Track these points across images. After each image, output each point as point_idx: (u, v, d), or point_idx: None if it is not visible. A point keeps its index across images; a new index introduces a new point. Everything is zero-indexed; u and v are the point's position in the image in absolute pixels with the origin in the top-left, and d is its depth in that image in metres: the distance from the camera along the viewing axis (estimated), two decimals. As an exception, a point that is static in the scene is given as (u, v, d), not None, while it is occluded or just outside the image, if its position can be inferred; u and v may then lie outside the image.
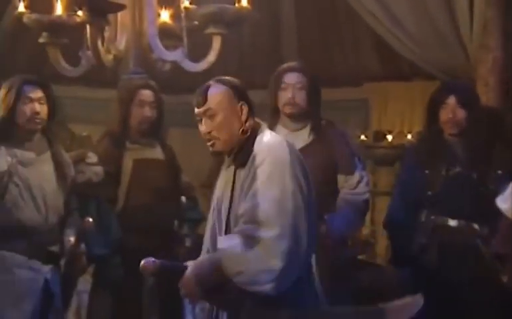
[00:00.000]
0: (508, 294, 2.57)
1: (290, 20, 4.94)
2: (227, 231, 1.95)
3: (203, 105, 2.03)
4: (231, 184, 1.99)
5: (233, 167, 2.02)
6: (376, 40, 4.56)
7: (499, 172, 2.79)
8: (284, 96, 2.85)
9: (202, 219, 3.36)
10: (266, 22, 4.73)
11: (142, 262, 2.00)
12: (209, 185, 5.57)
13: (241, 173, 1.95)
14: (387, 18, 3.46)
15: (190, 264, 1.97)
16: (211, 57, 2.92)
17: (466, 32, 3.38)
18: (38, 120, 2.62)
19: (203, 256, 2.07)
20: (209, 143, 2.02)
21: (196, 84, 5.07)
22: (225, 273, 1.84)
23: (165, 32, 3.04)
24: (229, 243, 1.87)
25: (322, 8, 4.89)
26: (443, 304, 2.79)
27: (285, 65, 2.95)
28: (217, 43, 2.89)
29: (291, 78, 2.85)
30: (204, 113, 2.02)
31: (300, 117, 2.87)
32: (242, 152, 1.98)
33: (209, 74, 3.16)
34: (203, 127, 2.02)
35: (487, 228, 2.78)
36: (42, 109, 2.63)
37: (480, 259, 2.78)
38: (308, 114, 2.88)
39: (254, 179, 1.88)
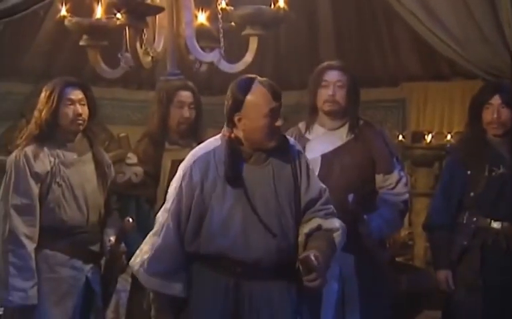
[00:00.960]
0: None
1: (327, 21, 4.92)
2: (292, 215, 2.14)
3: (280, 100, 2.12)
4: (270, 178, 2.12)
5: (267, 162, 2.14)
6: (415, 39, 4.51)
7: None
8: (325, 93, 2.86)
9: None
10: (303, 23, 4.72)
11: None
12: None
13: (278, 167, 2.13)
14: (428, 17, 3.40)
15: (310, 256, 2.00)
16: (248, 58, 2.93)
17: (509, 31, 3.31)
18: (80, 121, 2.67)
19: (314, 245, 2.09)
20: (277, 137, 2.13)
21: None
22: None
23: (202, 34, 3.05)
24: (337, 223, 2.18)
25: (360, 8, 4.85)
26: (485, 308, 2.74)
27: (325, 63, 2.96)
28: (253, 44, 2.90)
29: (332, 76, 2.86)
30: (280, 107, 2.14)
31: (338, 115, 2.87)
32: (279, 149, 2.15)
33: (243, 74, 3.17)
34: (279, 122, 2.12)
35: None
36: (83, 110, 2.68)
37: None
38: (347, 113, 2.88)
39: (302, 173, 2.17)
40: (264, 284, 2.11)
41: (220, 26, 2.94)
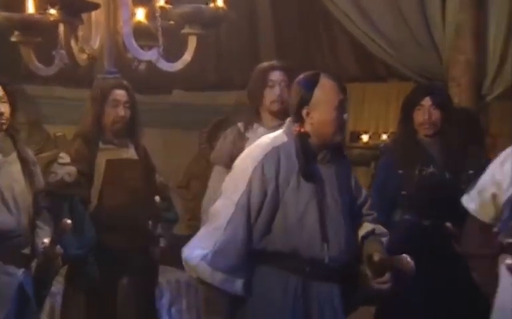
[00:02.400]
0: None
1: (267, 21, 4.95)
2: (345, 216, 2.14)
3: (346, 92, 2.15)
4: (335, 178, 2.13)
5: (331, 162, 2.14)
6: (353, 41, 4.60)
7: (471, 172, 2.83)
8: (272, 93, 2.90)
9: (177, 220, 3.35)
10: (243, 23, 4.74)
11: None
12: (186, 186, 5.62)
13: (338, 168, 2.16)
14: (363, 20, 3.50)
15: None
16: (187, 57, 2.91)
17: (439, 34, 3.44)
18: (3, 121, 2.52)
19: (374, 248, 2.13)
20: (343, 132, 2.17)
21: (172, 84, 5.07)
22: None
23: (141, 32, 3.02)
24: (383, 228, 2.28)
25: (299, 10, 4.91)
26: (418, 302, 2.83)
27: (267, 63, 3.00)
28: (192, 43, 2.89)
29: (277, 76, 2.92)
30: (346, 100, 2.15)
31: (283, 114, 2.92)
32: (339, 150, 2.19)
33: (185, 73, 3.17)
34: (346, 116, 2.14)
35: (459, 227, 2.82)
36: (5, 108, 2.51)
37: (453, 256, 2.82)
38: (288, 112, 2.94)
39: (353, 177, 2.23)
40: (328, 285, 2.10)
41: (158, 24, 2.91)
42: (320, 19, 4.88)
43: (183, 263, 2.12)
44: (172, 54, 3.05)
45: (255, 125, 3.01)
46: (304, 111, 2.07)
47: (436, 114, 2.96)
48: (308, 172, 2.04)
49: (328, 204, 2.08)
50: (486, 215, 2.53)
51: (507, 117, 3.95)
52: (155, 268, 3.16)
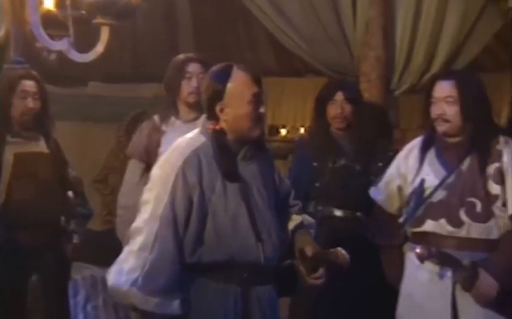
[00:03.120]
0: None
1: (185, 14, 4.92)
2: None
3: (261, 85, 2.04)
4: (258, 174, 2.02)
5: (253, 159, 2.02)
6: (272, 36, 4.65)
7: (380, 164, 2.95)
8: (189, 85, 2.89)
9: (91, 215, 3.28)
10: (160, 15, 4.68)
11: None
12: (104, 180, 5.50)
13: (261, 164, 2.04)
14: (277, 15, 3.55)
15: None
16: (99, 48, 2.83)
17: (350, 30, 3.54)
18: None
19: (306, 241, 2.07)
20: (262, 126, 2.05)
21: (88, 76, 4.94)
22: None
23: (51, 21, 2.92)
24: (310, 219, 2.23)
25: (218, 3, 4.91)
26: (332, 292, 2.91)
27: (183, 55, 2.99)
28: (105, 34, 2.81)
29: (195, 68, 2.91)
30: (262, 93, 2.05)
31: (199, 107, 2.93)
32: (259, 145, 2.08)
33: (101, 65, 3.09)
34: (263, 109, 2.05)
35: (370, 217, 2.93)
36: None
37: (363, 246, 2.92)
38: None
39: (275, 169, 2.13)
40: (267, 286, 2.00)
41: (68, 13, 2.83)
42: (239, 14, 4.90)
43: (110, 291, 1.96)
44: (89, 44, 2.98)
45: (172, 118, 2.99)
46: (217, 108, 1.95)
47: (348, 108, 3.05)
48: (231, 172, 1.93)
49: (256, 202, 1.97)
50: (392, 206, 2.65)
51: (415, 111, 4.12)
52: (67, 264, 3.08)
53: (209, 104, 1.98)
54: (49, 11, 2.89)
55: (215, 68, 2.02)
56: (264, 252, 1.95)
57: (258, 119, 1.98)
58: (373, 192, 2.72)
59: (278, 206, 2.06)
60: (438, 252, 2.39)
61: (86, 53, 2.92)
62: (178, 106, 2.99)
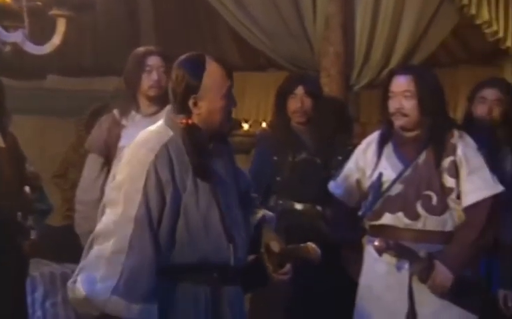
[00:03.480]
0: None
1: (147, 7, 4.87)
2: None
3: (232, 77, 1.98)
4: (227, 169, 1.96)
5: (222, 153, 1.95)
6: (235, 30, 4.64)
7: (340, 158, 2.98)
8: (149, 79, 2.87)
9: (50, 211, 3.23)
10: (121, 7, 4.63)
11: None
12: (63, 175, 5.42)
13: (227, 158, 1.98)
14: (238, 8, 3.55)
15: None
16: (56, 40, 2.79)
17: (310, 26, 3.57)
18: None
19: (272, 237, 2.03)
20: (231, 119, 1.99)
21: (47, 69, 4.85)
22: None
23: (6, 12, 2.86)
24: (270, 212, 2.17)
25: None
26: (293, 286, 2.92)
27: (143, 48, 2.96)
28: (61, 26, 2.77)
29: (155, 61, 2.88)
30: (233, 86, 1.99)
31: (161, 100, 2.91)
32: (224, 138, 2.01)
33: (60, 58, 3.06)
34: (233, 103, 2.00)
35: (330, 210, 2.97)
36: None
37: (323, 239, 2.95)
38: (166, 98, 2.93)
39: (235, 161, 2.03)
40: (236, 287, 1.94)
41: (23, 4, 2.77)
42: (201, 7, 4.88)
43: (82, 302, 1.77)
44: (47, 37, 2.93)
45: (132, 112, 2.97)
46: (191, 101, 1.85)
47: (308, 102, 3.08)
48: (204, 170, 1.83)
49: (226, 200, 1.89)
50: (351, 200, 2.68)
51: (376, 106, 4.18)
52: (24, 261, 3.02)
53: (181, 97, 1.86)
54: (3, 2, 2.83)
55: (186, 59, 1.89)
56: (235, 253, 1.88)
57: (230, 113, 1.92)
58: (332, 186, 2.75)
59: (242, 201, 2.00)
60: (396, 244, 2.44)
61: (42, 45, 2.88)
62: (138, 100, 2.96)
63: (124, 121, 2.97)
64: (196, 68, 1.86)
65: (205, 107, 1.86)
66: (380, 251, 2.43)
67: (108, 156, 2.98)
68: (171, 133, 1.86)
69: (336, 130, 3.16)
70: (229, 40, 5.11)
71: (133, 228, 1.78)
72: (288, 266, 1.96)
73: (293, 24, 3.55)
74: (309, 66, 3.58)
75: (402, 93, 2.50)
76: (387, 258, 2.49)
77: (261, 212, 2.09)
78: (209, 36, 5.17)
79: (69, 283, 1.81)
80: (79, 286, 1.77)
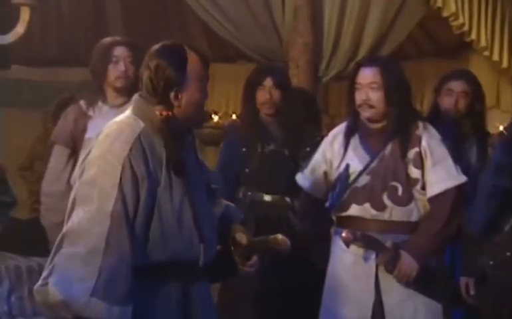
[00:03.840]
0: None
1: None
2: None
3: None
4: (194, 160, 1.90)
5: (191, 145, 1.90)
6: (203, 21, 4.62)
7: (308, 149, 2.99)
8: (116, 69, 2.85)
9: (14, 203, 3.18)
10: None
11: None
12: (29, 167, 5.35)
13: (195, 151, 1.93)
14: (207, 0, 3.53)
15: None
16: (20, 29, 2.75)
17: (279, 17, 3.57)
18: None
19: (238, 229, 1.99)
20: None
21: (11, 59, 4.76)
22: None
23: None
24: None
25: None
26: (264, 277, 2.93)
27: (110, 38, 2.93)
28: (25, 14, 2.73)
29: (122, 51, 2.86)
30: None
31: (128, 91, 2.88)
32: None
33: (25, 47, 2.99)
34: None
35: (298, 201, 2.98)
36: None
37: (292, 230, 2.97)
38: (135, 89, 2.90)
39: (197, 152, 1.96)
40: (205, 284, 1.89)
41: (-15, -7, 2.72)
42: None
43: (57, 306, 1.67)
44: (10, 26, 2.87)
45: (99, 103, 2.93)
46: (172, 93, 1.78)
47: (276, 94, 3.08)
48: (181, 165, 1.77)
49: (197, 195, 1.84)
50: (319, 192, 2.70)
51: (344, 98, 4.21)
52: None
53: (163, 89, 1.79)
54: (-36, -10, 2.77)
55: (166, 49, 1.82)
56: (206, 252, 1.83)
57: (204, 105, 1.88)
58: (299, 178, 2.76)
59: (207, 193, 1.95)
60: (362, 235, 2.46)
61: (5, 35, 2.82)
62: (105, 91, 2.93)
63: (90, 112, 2.94)
64: (179, 60, 1.80)
65: (185, 99, 1.81)
66: (347, 242, 2.46)
67: (75, 148, 2.95)
68: (142, 124, 1.79)
69: (304, 122, 3.16)
70: (197, 30, 5.09)
71: (109, 225, 1.69)
72: (254, 259, 1.94)
73: (261, 15, 3.55)
74: (277, 57, 3.59)
75: (369, 85, 2.52)
76: (355, 249, 2.51)
77: (224, 204, 2.06)
78: (178, 26, 5.14)
79: (37, 286, 1.70)
80: (53, 289, 1.66)
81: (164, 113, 1.79)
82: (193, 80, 1.80)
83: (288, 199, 3.06)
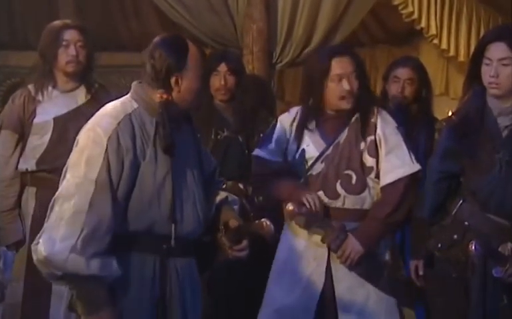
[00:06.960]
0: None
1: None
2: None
3: None
4: (189, 146, 2.04)
5: (184, 129, 2.02)
6: (156, 5, 4.56)
7: (262, 135, 2.99)
8: (66, 53, 2.82)
9: None
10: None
11: None
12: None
13: (190, 135, 2.05)
14: (160, -15, 3.49)
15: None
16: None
17: (232, 2, 3.55)
18: None
19: (231, 215, 2.06)
20: None
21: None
22: None
23: None
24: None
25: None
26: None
27: (59, 22, 2.88)
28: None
29: (72, 35, 2.82)
30: None
31: (78, 76, 2.86)
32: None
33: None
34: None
35: (251, 187, 2.99)
36: None
37: (246, 216, 2.98)
38: (84, 74, 2.88)
39: (200, 143, 2.15)
40: (187, 260, 1.98)
41: None
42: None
43: (43, 263, 1.83)
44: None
45: (49, 88, 2.88)
46: (173, 79, 1.93)
47: (231, 80, 3.06)
48: (171, 144, 1.90)
49: (184, 175, 1.98)
50: (276, 158, 2.67)
51: (299, 84, 4.24)
52: None
53: (164, 75, 1.93)
54: None
55: (168, 40, 1.97)
56: (179, 228, 1.93)
57: (200, 92, 2.03)
58: (257, 151, 2.73)
59: (204, 180, 2.07)
60: (307, 211, 2.45)
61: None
62: (55, 75, 2.88)
63: (39, 97, 2.89)
64: (180, 50, 1.95)
65: (184, 85, 1.95)
66: (291, 216, 2.46)
67: (23, 133, 2.90)
68: (135, 105, 1.94)
69: (258, 108, 3.17)
70: (152, 15, 5.01)
71: (94, 189, 1.84)
72: (245, 242, 2.00)
73: (216, 0, 3.53)
74: (232, 43, 3.58)
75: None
76: (306, 235, 2.53)
77: (224, 194, 2.16)
78: (132, 11, 5.06)
79: (32, 245, 1.86)
80: (40, 247, 1.82)
81: (164, 96, 1.92)
82: (193, 69, 1.95)
83: (241, 185, 3.06)
